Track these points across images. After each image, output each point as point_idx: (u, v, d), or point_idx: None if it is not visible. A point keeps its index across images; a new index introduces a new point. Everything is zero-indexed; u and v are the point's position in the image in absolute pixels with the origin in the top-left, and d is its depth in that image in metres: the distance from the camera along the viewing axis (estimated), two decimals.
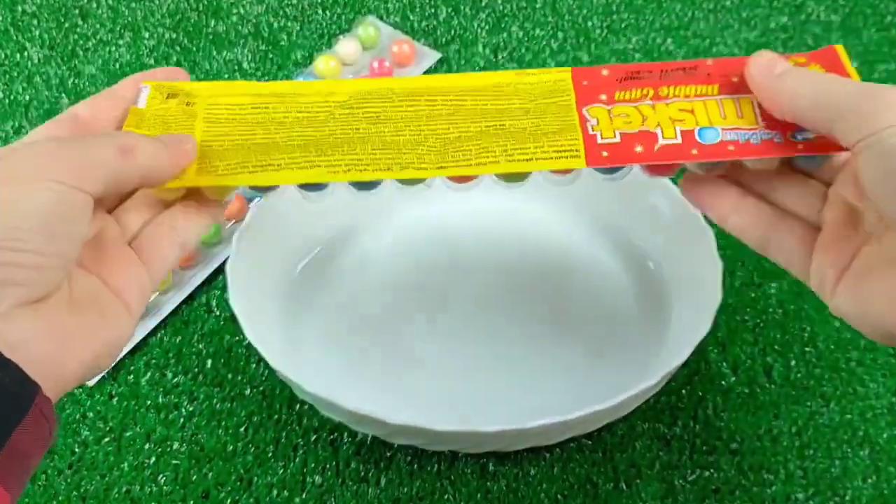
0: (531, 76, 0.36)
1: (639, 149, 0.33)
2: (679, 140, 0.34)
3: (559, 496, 0.44)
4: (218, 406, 0.47)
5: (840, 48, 0.34)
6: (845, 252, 0.32)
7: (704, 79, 0.35)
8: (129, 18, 0.68)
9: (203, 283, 0.52)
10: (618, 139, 0.34)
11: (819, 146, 0.33)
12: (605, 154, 0.33)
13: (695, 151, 0.33)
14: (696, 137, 0.34)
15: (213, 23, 0.68)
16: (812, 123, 0.32)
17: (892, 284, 0.30)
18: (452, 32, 0.67)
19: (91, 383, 0.48)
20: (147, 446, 0.46)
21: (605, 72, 0.35)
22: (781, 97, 0.32)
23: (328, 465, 0.45)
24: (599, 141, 0.34)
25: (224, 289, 0.52)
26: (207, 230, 0.36)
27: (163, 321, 0.50)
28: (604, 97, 0.35)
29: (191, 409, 0.47)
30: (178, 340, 0.50)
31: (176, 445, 0.46)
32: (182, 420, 0.47)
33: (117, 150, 0.30)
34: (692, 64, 0.35)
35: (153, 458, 0.45)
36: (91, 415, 0.47)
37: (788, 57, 0.34)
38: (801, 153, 0.33)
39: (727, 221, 0.35)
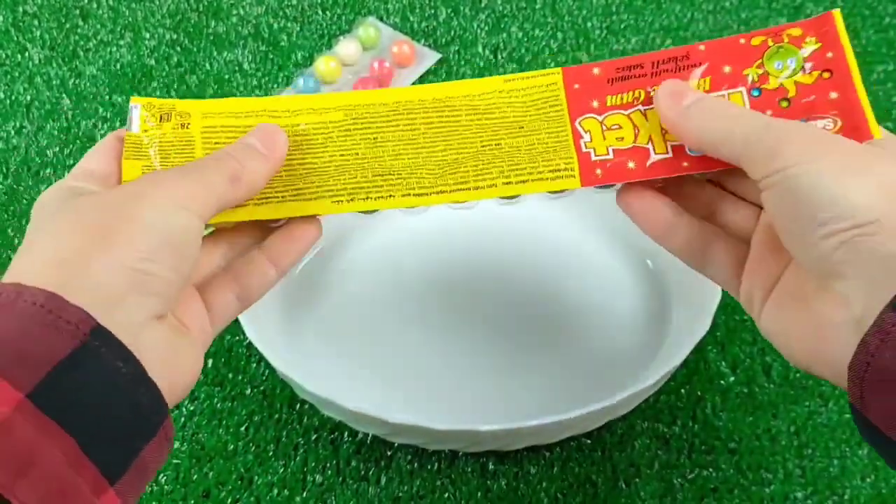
0: (523, 81, 0.36)
1: (631, 165, 0.34)
2: (670, 154, 0.34)
3: (559, 495, 0.44)
4: (219, 405, 0.47)
5: (837, 14, 0.34)
6: (770, 274, 0.32)
7: (696, 71, 0.34)
8: (130, 19, 0.68)
9: None
10: (611, 155, 0.34)
11: None
12: (598, 172, 0.34)
13: (686, 164, 0.34)
14: (687, 150, 0.34)
15: (213, 23, 0.68)
16: (720, 157, 0.31)
17: (795, 320, 0.30)
18: (452, 33, 0.67)
19: None
20: None
21: (596, 70, 0.35)
22: (689, 132, 0.32)
23: (329, 464, 0.45)
24: (593, 158, 0.34)
25: None
26: (274, 285, 0.36)
27: None
28: (595, 104, 0.35)
29: (191, 408, 0.47)
30: None
31: (177, 444, 0.46)
32: (183, 419, 0.47)
33: (228, 179, 0.31)
34: (683, 51, 0.35)
35: None
36: None
37: (784, 28, 0.34)
38: None
39: (667, 240, 0.35)
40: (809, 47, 0.34)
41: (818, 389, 0.47)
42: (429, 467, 0.45)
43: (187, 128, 0.35)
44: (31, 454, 0.23)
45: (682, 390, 0.47)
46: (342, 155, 0.35)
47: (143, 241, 0.28)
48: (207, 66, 0.65)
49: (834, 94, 0.33)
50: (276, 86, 0.63)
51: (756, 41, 0.34)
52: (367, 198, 0.34)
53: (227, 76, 0.64)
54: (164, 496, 0.44)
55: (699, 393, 0.47)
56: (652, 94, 0.34)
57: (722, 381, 0.48)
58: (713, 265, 0.34)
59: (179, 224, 0.29)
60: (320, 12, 0.69)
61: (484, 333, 0.49)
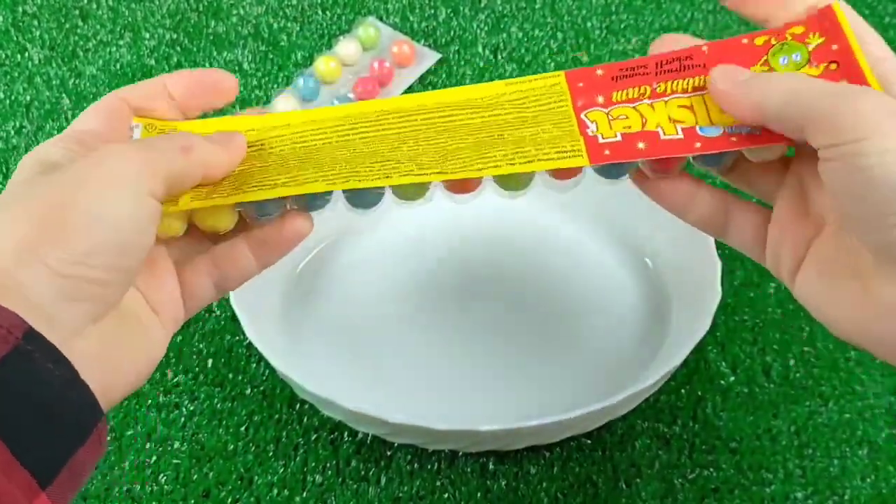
0: (524, 84, 0.35)
1: (641, 145, 0.33)
2: (681, 136, 0.33)
3: (559, 495, 0.44)
4: (219, 405, 0.47)
5: (836, 6, 0.33)
6: (802, 238, 0.31)
7: (700, 70, 0.34)
8: (130, 19, 0.68)
9: None
10: (619, 138, 0.33)
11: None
12: (607, 152, 0.33)
13: (698, 144, 0.33)
14: (698, 131, 0.33)
15: (213, 23, 0.68)
16: (780, 126, 0.30)
17: (843, 292, 0.29)
18: (452, 33, 0.67)
19: None
20: (148, 445, 0.46)
21: (599, 72, 0.35)
22: (747, 100, 0.31)
23: (328, 464, 0.45)
24: (601, 141, 0.33)
25: None
26: (252, 276, 0.35)
27: None
28: (601, 99, 0.34)
29: (191, 408, 0.47)
30: (178, 340, 0.50)
31: (177, 445, 0.46)
32: (183, 419, 0.47)
33: (179, 149, 0.30)
34: (686, 53, 0.34)
35: (154, 458, 0.45)
36: None
37: (786, 27, 0.34)
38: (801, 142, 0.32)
39: (685, 214, 0.35)
40: (813, 43, 0.34)
41: (818, 389, 0.47)
42: (429, 467, 0.45)
43: None
44: None
45: (682, 390, 0.47)
46: (339, 151, 0.34)
47: (80, 240, 0.27)
48: (207, 66, 0.65)
49: (843, 83, 0.33)
50: (275, 86, 0.63)
51: (759, 41, 0.34)
52: (364, 179, 0.33)
53: None
54: (164, 496, 0.44)
55: (699, 393, 0.47)
56: (658, 89, 0.34)
57: (722, 381, 0.48)
58: (734, 232, 0.34)
59: (124, 212, 0.27)
60: (320, 12, 0.69)
61: (484, 333, 0.49)
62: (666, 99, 0.34)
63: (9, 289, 0.26)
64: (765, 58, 0.34)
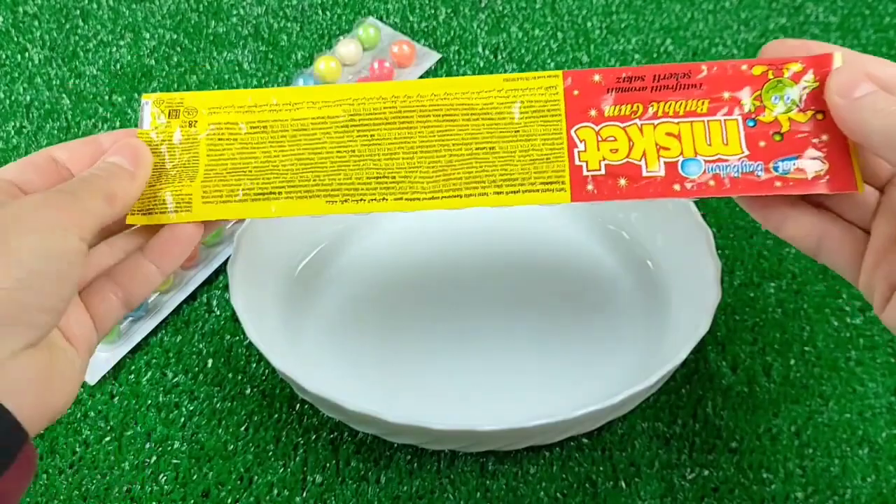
0: (523, 81, 0.36)
1: (622, 182, 0.34)
2: (662, 173, 0.34)
3: (559, 495, 0.44)
4: (218, 405, 0.47)
5: (837, 56, 0.34)
6: (895, 266, 0.32)
7: (696, 92, 0.35)
8: (130, 19, 0.68)
9: (204, 283, 0.52)
10: (602, 171, 0.35)
11: (796, 185, 0.34)
12: (590, 188, 0.34)
13: (677, 187, 0.34)
14: (679, 170, 0.34)
15: (213, 23, 0.68)
16: (884, 155, 0.31)
17: None
18: (452, 33, 0.67)
19: (92, 382, 0.48)
20: (148, 445, 0.46)
21: (596, 77, 0.35)
22: (855, 124, 0.31)
23: (328, 464, 0.45)
24: (585, 172, 0.35)
25: (225, 288, 0.52)
26: (157, 286, 0.37)
27: (163, 321, 0.50)
28: (593, 113, 0.35)
29: (191, 408, 0.47)
30: (178, 340, 0.50)
31: (176, 444, 0.46)
32: (183, 419, 0.47)
33: (104, 200, 0.32)
34: (685, 69, 0.35)
35: (154, 458, 0.45)
36: (92, 414, 0.47)
37: (786, 61, 0.34)
38: (779, 192, 0.34)
39: (780, 230, 0.35)
40: (807, 85, 0.34)
41: (819, 389, 0.47)
42: (428, 467, 0.45)
43: (194, 126, 0.37)
44: None
45: (683, 390, 0.47)
46: (339, 152, 0.36)
47: (18, 268, 0.28)
48: (207, 66, 0.65)
49: (825, 137, 0.34)
50: (275, 86, 0.63)
51: (757, 70, 0.35)
52: (361, 199, 0.35)
53: (227, 76, 0.64)
54: (163, 496, 0.44)
55: (700, 392, 0.47)
56: (651, 110, 0.35)
57: (722, 381, 0.48)
58: (828, 253, 0.34)
59: (59, 247, 0.29)
60: (320, 12, 0.69)
61: (484, 333, 0.49)
62: (656, 123, 0.35)
63: None
64: (759, 92, 0.35)
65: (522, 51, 0.66)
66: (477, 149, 0.35)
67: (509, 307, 0.50)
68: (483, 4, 0.69)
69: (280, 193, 0.35)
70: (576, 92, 0.35)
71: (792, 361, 0.48)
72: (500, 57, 0.65)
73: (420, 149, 0.36)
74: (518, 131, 0.35)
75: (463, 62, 0.65)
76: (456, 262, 0.52)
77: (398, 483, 0.44)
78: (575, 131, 0.35)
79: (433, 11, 0.68)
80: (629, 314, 0.49)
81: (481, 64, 0.65)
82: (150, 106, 0.36)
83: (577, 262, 0.52)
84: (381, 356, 0.48)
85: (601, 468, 0.45)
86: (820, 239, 0.34)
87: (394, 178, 0.35)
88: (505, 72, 0.64)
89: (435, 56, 0.65)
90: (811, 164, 0.34)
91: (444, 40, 0.66)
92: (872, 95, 0.31)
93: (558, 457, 0.45)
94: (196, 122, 0.37)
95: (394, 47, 0.63)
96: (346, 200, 0.35)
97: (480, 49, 0.66)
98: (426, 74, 0.64)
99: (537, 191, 0.35)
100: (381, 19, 0.68)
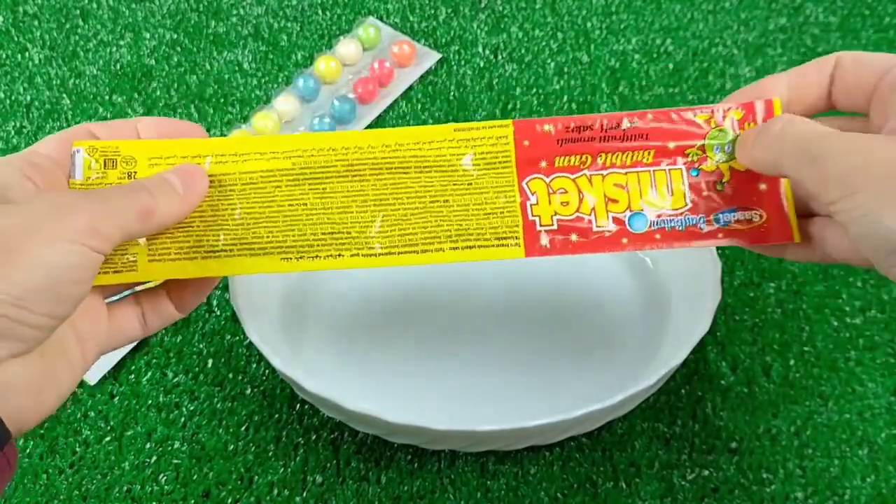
0: (473, 131, 0.35)
1: (574, 237, 0.35)
2: (612, 228, 0.35)
3: (559, 495, 0.44)
4: (219, 405, 0.47)
5: (777, 103, 0.34)
6: None
7: (641, 142, 0.35)
8: (130, 19, 0.68)
9: None
10: (555, 226, 0.35)
11: (738, 235, 0.34)
12: (543, 243, 0.35)
13: (625, 241, 0.35)
14: (627, 226, 0.35)
15: (213, 23, 0.68)
16: (783, 173, 0.31)
17: None
18: (452, 33, 0.67)
19: (92, 383, 0.48)
20: (148, 445, 0.46)
21: (547, 126, 0.35)
22: (755, 158, 0.32)
23: (329, 464, 0.45)
24: (538, 227, 0.35)
25: (225, 288, 0.52)
26: (171, 320, 0.37)
27: None
28: (544, 164, 0.35)
29: (192, 408, 0.47)
30: (178, 340, 0.50)
31: (177, 444, 0.46)
32: (183, 419, 0.47)
33: (138, 214, 0.30)
34: (631, 117, 0.35)
35: (154, 458, 0.45)
36: (92, 414, 0.47)
37: (728, 109, 0.35)
38: (722, 243, 0.35)
39: (783, 257, 0.36)
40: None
41: (818, 390, 0.47)
42: (429, 467, 0.45)
43: (133, 178, 0.34)
44: None
45: (683, 390, 0.47)
46: (290, 205, 0.35)
47: (19, 283, 0.27)
48: (207, 66, 0.65)
49: (763, 186, 0.35)
50: (275, 86, 0.63)
51: (701, 118, 0.35)
52: (317, 256, 0.35)
53: (227, 76, 0.64)
54: (164, 496, 0.44)
55: (699, 393, 0.47)
56: (598, 160, 0.35)
57: (722, 381, 0.48)
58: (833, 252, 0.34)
59: (69, 263, 0.28)
60: (320, 12, 0.69)
61: (484, 333, 0.49)
62: (605, 174, 0.35)
63: None
64: (702, 142, 0.35)
65: (522, 51, 0.66)
66: (431, 202, 0.35)
67: (509, 307, 0.50)
68: (483, 4, 0.69)
69: (232, 251, 0.34)
70: (526, 142, 0.35)
71: (791, 362, 0.48)
72: (500, 57, 0.65)
73: (374, 202, 0.35)
74: (471, 184, 0.35)
75: (463, 62, 0.65)
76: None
77: (399, 483, 0.44)
78: (527, 183, 0.35)
79: (433, 11, 0.68)
80: (629, 314, 0.49)
81: (481, 64, 0.65)
82: (83, 154, 0.33)
83: (576, 261, 0.52)
84: (382, 356, 0.48)
85: (601, 468, 0.45)
86: (823, 252, 0.34)
87: (349, 233, 0.35)
88: (505, 72, 0.64)
89: (435, 56, 0.65)
90: (750, 214, 0.34)
91: (444, 40, 0.66)
92: (769, 124, 0.32)
93: (558, 457, 0.45)
94: (135, 173, 0.34)
95: (394, 47, 0.63)
96: (301, 257, 0.34)
97: (480, 49, 0.66)
98: (426, 74, 0.64)
99: (492, 246, 0.35)
100: (381, 19, 0.68)
